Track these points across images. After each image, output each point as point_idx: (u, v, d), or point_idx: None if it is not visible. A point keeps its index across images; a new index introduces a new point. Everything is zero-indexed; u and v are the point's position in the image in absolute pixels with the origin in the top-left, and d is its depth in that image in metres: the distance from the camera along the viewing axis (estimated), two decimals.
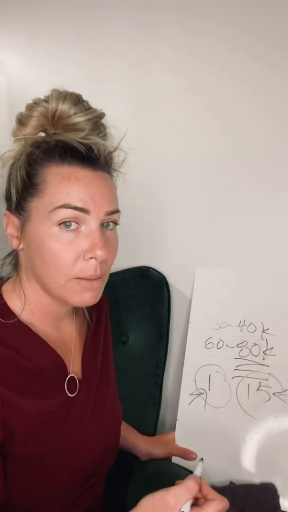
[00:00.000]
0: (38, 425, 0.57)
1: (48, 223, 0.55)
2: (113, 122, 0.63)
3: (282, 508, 0.81)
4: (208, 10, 0.91)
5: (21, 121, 0.59)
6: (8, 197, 0.60)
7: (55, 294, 0.58)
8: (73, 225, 0.55)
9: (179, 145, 0.99)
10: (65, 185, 0.54)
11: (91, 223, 0.55)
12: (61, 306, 0.63)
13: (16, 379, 0.57)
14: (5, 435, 0.55)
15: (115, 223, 0.60)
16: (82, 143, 0.55)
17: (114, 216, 0.58)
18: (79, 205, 0.54)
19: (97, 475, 0.69)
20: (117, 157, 0.63)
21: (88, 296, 0.58)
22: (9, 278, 0.66)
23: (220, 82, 0.93)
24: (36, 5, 1.02)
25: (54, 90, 0.57)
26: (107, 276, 0.61)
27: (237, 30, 0.89)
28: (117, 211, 0.59)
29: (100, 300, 0.76)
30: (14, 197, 0.58)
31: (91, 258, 0.55)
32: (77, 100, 0.57)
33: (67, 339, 0.68)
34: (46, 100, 0.57)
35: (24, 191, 0.57)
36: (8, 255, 0.64)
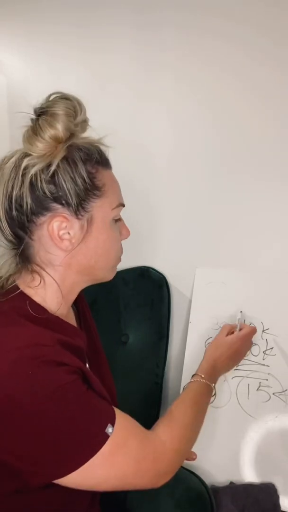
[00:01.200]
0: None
1: (108, 219, 0.64)
2: (113, 121, 0.63)
3: (282, 508, 0.81)
4: (208, 9, 0.91)
5: (51, 113, 0.57)
6: (67, 202, 0.59)
7: (101, 276, 0.68)
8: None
9: (179, 145, 0.99)
10: (116, 186, 0.65)
11: (120, 215, 0.67)
12: (75, 294, 0.69)
13: (77, 354, 0.60)
14: None
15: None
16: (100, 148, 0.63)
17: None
18: (123, 202, 0.67)
19: None
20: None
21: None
22: (11, 275, 0.65)
23: (220, 81, 0.93)
24: (36, 5, 1.02)
25: (74, 99, 0.59)
26: None
27: (237, 29, 0.90)
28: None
29: None
30: (74, 200, 0.59)
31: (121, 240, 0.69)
32: (84, 109, 0.62)
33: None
34: (73, 109, 0.58)
35: (86, 193, 0.60)
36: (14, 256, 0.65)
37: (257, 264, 0.96)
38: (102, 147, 0.63)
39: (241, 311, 0.91)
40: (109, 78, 1.00)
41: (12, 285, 0.64)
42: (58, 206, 0.59)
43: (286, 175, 0.91)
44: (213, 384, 0.77)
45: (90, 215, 0.61)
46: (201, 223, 1.00)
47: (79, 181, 0.59)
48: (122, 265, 1.07)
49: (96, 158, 0.61)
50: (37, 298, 0.63)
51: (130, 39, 0.98)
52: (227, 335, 0.85)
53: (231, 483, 0.84)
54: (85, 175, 0.59)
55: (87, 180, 0.59)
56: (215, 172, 0.97)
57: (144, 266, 1.05)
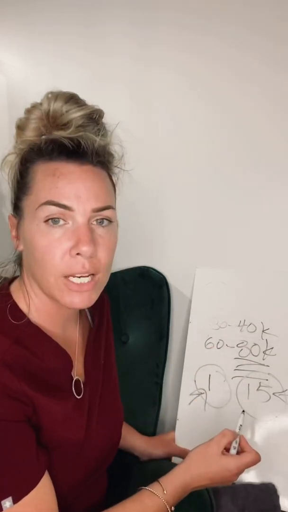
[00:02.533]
0: (57, 424, 0.58)
1: (35, 220, 0.55)
2: (114, 121, 0.62)
3: (282, 508, 0.81)
4: (208, 8, 0.91)
5: (20, 126, 0.59)
6: (11, 200, 0.61)
7: (47, 293, 0.58)
8: (60, 222, 0.54)
9: (180, 145, 0.98)
10: (49, 181, 0.54)
11: (77, 219, 0.54)
12: (61, 308, 0.62)
13: (34, 378, 0.56)
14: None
15: (109, 220, 0.58)
16: (70, 139, 0.55)
17: (106, 213, 0.56)
18: (62, 201, 0.53)
19: (98, 471, 0.69)
20: (115, 152, 0.62)
21: (79, 300, 0.56)
22: (16, 277, 0.66)
23: (221, 80, 0.93)
24: (36, 5, 1.02)
25: (47, 93, 0.57)
26: (103, 277, 0.59)
27: (237, 27, 0.89)
28: (107, 208, 0.56)
29: (101, 301, 0.76)
30: (12, 199, 0.60)
31: (77, 254, 0.54)
32: (68, 98, 0.56)
33: (71, 342, 0.67)
34: (41, 103, 0.57)
35: (18, 190, 0.58)
36: (17, 255, 0.65)
37: (257, 264, 0.96)
38: (78, 137, 0.55)
39: (243, 411, 0.75)
40: (109, 77, 1.00)
41: (12, 283, 0.65)
42: (11, 206, 0.61)
43: (287, 175, 0.92)
44: (172, 508, 0.62)
45: (22, 214, 0.58)
46: (201, 223, 1.00)
47: (14, 179, 0.58)
48: (122, 265, 1.07)
49: (36, 152, 0.56)
50: (21, 303, 0.61)
51: (130, 38, 0.97)
52: (224, 448, 0.67)
53: (231, 483, 0.84)
54: (17, 171, 0.58)
55: (18, 177, 0.58)
56: (216, 172, 0.97)
57: (144, 266, 1.05)
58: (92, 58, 1.01)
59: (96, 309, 0.75)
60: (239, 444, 0.69)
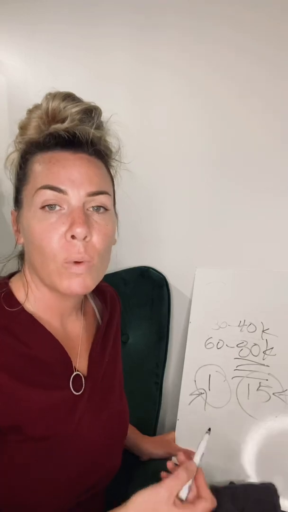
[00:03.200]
0: (39, 416, 0.57)
1: (32, 207, 0.56)
2: (113, 121, 0.64)
3: (282, 508, 0.81)
4: (209, 12, 0.91)
5: (22, 126, 0.62)
6: (13, 195, 0.63)
7: (46, 281, 0.58)
8: (56, 207, 0.55)
9: (179, 146, 0.99)
10: (45, 168, 0.56)
11: (71, 203, 0.55)
12: (62, 301, 0.63)
13: (17, 366, 0.57)
14: (3, 421, 0.55)
15: (105, 207, 0.58)
16: (66, 130, 0.57)
17: (101, 199, 0.57)
18: (56, 184, 0.55)
19: (96, 487, 0.68)
20: (112, 146, 0.64)
21: (77, 284, 0.56)
22: (18, 271, 0.67)
23: (221, 84, 0.93)
24: (36, 5, 1.02)
25: (46, 93, 0.60)
26: (98, 264, 0.58)
27: (238, 31, 0.90)
28: (102, 193, 0.57)
29: (113, 300, 0.78)
30: (14, 193, 0.62)
31: (72, 237, 0.54)
32: (65, 96, 0.59)
33: (73, 336, 0.67)
34: (41, 103, 0.61)
35: (18, 183, 0.61)
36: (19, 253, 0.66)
37: (257, 264, 0.96)
38: (74, 129, 0.58)
39: (209, 430, 0.65)
40: (109, 78, 1.00)
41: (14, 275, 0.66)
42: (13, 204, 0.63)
43: (287, 175, 0.92)
44: None
45: (21, 205, 0.60)
46: (201, 223, 1.00)
47: (14, 172, 0.62)
48: (122, 265, 1.07)
49: (34, 145, 0.59)
50: (18, 293, 0.62)
51: (130, 39, 0.98)
52: (176, 495, 0.55)
53: (231, 483, 0.84)
54: (18, 165, 0.61)
55: (17, 170, 0.61)
56: (216, 172, 0.97)
57: (144, 266, 1.05)
58: (92, 58, 1.01)
59: (106, 307, 0.75)
60: (195, 485, 0.57)
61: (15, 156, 0.62)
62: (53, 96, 0.59)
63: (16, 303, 0.61)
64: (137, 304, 1.05)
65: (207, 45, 0.92)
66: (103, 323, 0.73)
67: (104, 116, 0.63)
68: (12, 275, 0.67)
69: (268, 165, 0.93)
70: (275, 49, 0.88)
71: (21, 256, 0.66)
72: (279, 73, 0.89)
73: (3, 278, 0.66)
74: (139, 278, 1.05)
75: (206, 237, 1.00)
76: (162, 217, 1.03)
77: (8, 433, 0.56)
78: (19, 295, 0.62)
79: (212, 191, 0.98)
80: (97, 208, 0.58)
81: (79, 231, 0.54)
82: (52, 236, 0.55)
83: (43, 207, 0.55)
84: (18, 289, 0.63)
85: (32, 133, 0.60)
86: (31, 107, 0.62)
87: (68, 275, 0.56)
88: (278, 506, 0.80)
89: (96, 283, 0.60)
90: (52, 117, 0.59)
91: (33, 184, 0.57)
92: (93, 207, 0.57)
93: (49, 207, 0.55)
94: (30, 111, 0.61)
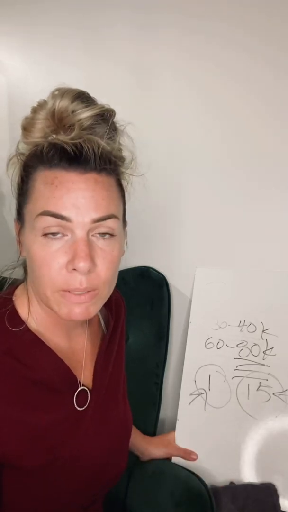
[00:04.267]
0: (38, 438, 0.56)
1: (34, 230, 0.52)
2: (126, 127, 0.60)
3: (282, 508, 0.81)
4: (210, 12, 0.91)
5: (26, 127, 0.55)
6: (16, 205, 0.59)
7: (46, 304, 0.56)
8: (59, 234, 0.51)
9: (179, 147, 0.98)
10: (48, 191, 0.51)
11: (75, 232, 0.51)
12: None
13: (14, 390, 0.55)
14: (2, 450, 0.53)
15: (112, 234, 0.54)
16: (73, 143, 0.51)
17: (108, 223, 0.52)
18: (59, 212, 0.50)
19: (100, 493, 0.68)
20: (124, 157, 0.58)
21: (78, 311, 0.53)
22: (23, 281, 0.64)
23: (222, 84, 0.93)
24: (36, 5, 1.02)
25: (54, 89, 0.53)
26: (104, 291, 0.55)
27: (238, 31, 0.90)
28: (110, 217, 0.52)
29: (118, 307, 0.75)
30: (16, 205, 0.58)
31: (73, 269, 0.51)
32: (76, 97, 0.52)
33: (78, 349, 0.65)
34: (47, 100, 0.54)
35: (19, 197, 0.56)
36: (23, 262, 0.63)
37: (257, 264, 0.96)
38: (81, 141, 0.51)
39: None
40: (110, 79, 1.00)
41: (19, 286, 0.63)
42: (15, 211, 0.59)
43: (287, 175, 0.92)
44: None
45: (23, 222, 0.55)
46: (201, 223, 1.00)
47: (16, 184, 0.56)
48: (122, 265, 1.07)
49: (37, 158, 0.53)
50: (22, 310, 0.59)
51: (130, 40, 0.97)
52: None
53: (231, 483, 0.85)
54: (19, 177, 0.55)
55: (19, 182, 0.55)
56: (216, 172, 0.97)
57: (144, 266, 1.05)
58: (92, 60, 1.01)
59: (112, 315, 0.72)
60: None
61: (17, 166, 0.56)
62: (61, 94, 0.52)
63: (20, 321, 0.58)
64: (137, 304, 1.05)
65: (207, 45, 0.92)
66: (108, 332, 0.70)
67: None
68: (16, 287, 0.63)
69: (268, 165, 0.93)
70: (276, 48, 0.88)
71: (25, 265, 0.63)
72: (280, 73, 0.88)
73: (7, 291, 0.62)
74: (139, 278, 1.05)
75: (206, 237, 1.00)
76: (162, 217, 1.03)
77: (6, 467, 0.55)
78: (23, 311, 0.59)
79: (213, 191, 0.98)
80: (103, 234, 0.53)
81: (81, 265, 0.50)
82: (53, 265, 0.51)
83: (44, 234, 0.51)
84: (21, 305, 0.60)
85: (37, 136, 0.53)
86: (35, 105, 0.55)
87: (68, 304, 0.53)
88: (278, 506, 0.80)
89: (100, 308, 0.57)
90: (59, 120, 0.52)
91: (35, 205, 0.52)
92: (99, 233, 0.53)
93: (51, 234, 0.51)
94: (34, 110, 0.54)
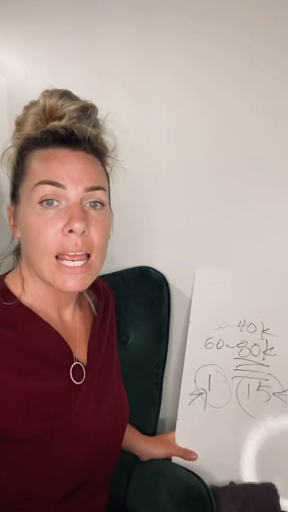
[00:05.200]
0: (34, 407, 0.58)
1: (31, 202, 0.57)
2: (113, 121, 0.64)
3: (282, 508, 0.81)
4: (209, 12, 0.91)
5: (19, 122, 0.63)
6: (10, 192, 0.64)
7: (41, 276, 0.59)
8: (54, 203, 0.56)
9: (179, 146, 0.98)
10: (44, 164, 0.57)
11: (70, 198, 0.57)
12: (58, 293, 0.64)
13: (12, 358, 0.57)
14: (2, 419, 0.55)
15: (102, 203, 0.60)
16: (64, 128, 0.58)
17: (98, 194, 0.59)
18: (55, 180, 0.56)
19: (98, 477, 0.68)
20: (107, 143, 0.65)
21: (72, 283, 0.57)
22: (13, 269, 0.68)
23: (221, 83, 0.93)
24: (36, 4, 1.02)
25: (43, 91, 0.62)
26: (97, 260, 0.60)
27: (238, 31, 0.90)
28: (99, 188, 0.59)
29: (106, 294, 0.79)
30: (11, 188, 0.63)
31: (70, 231, 0.55)
32: (63, 94, 0.60)
33: (71, 327, 0.68)
34: (38, 100, 0.62)
35: (16, 178, 0.62)
36: (15, 250, 0.67)
37: (257, 264, 0.96)
38: (72, 126, 0.59)
39: None
40: (109, 78, 1.00)
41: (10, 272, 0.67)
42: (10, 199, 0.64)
43: (287, 175, 0.92)
44: None
45: (19, 200, 0.61)
46: (201, 223, 1.00)
47: (12, 167, 0.62)
48: (122, 265, 1.07)
49: (32, 142, 0.60)
50: (15, 288, 0.63)
51: (130, 38, 0.97)
52: None
53: (231, 483, 0.84)
54: (15, 161, 0.61)
55: (15, 165, 0.62)
56: (216, 171, 0.97)
57: (144, 266, 1.05)
58: (92, 59, 1.01)
59: (101, 299, 0.77)
60: None
61: (12, 152, 0.63)
62: (50, 93, 0.60)
63: (13, 297, 0.61)
64: (137, 304, 1.05)
65: (207, 45, 0.92)
66: (98, 315, 0.74)
67: (101, 114, 0.64)
68: (7, 273, 0.68)
69: (268, 165, 0.93)
70: (275, 48, 0.88)
71: (17, 251, 0.67)
72: (280, 73, 0.88)
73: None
74: (139, 278, 1.05)
75: (206, 237, 1.00)
76: (162, 217, 1.03)
77: (3, 437, 0.55)
78: (16, 290, 0.63)
79: (212, 191, 0.98)
80: (94, 204, 0.59)
81: (77, 226, 0.55)
82: (49, 230, 0.56)
83: (41, 202, 0.56)
84: (14, 284, 0.64)
85: (29, 129, 0.61)
86: (27, 103, 0.63)
87: (61, 273, 0.57)
88: (278, 506, 0.80)
89: (93, 280, 0.61)
90: (49, 114, 0.60)
91: (31, 179, 0.58)
92: (90, 203, 0.59)
93: (47, 202, 0.56)
94: (27, 108, 0.63)
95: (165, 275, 1.04)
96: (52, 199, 0.56)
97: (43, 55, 1.05)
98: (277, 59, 0.88)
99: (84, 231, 0.56)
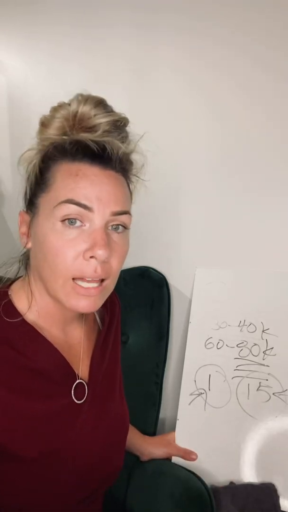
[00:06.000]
0: (35, 427, 0.57)
1: (52, 218, 0.54)
2: (137, 134, 0.62)
3: (282, 508, 0.81)
4: (209, 12, 0.91)
5: (44, 123, 0.59)
6: (24, 196, 0.60)
7: (53, 295, 0.57)
8: (77, 223, 0.54)
9: (179, 146, 0.98)
10: (72, 181, 0.54)
11: (95, 222, 0.54)
12: (64, 310, 0.61)
13: (13, 378, 0.56)
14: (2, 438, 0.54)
15: (125, 226, 0.58)
16: (95, 142, 0.55)
17: (122, 218, 0.56)
18: (83, 201, 0.53)
19: (96, 492, 0.68)
20: (136, 161, 0.62)
21: (85, 303, 0.55)
22: (20, 277, 0.65)
23: (222, 84, 0.93)
24: (36, 5, 1.02)
25: (77, 94, 0.57)
26: (111, 283, 0.59)
27: (237, 31, 0.90)
28: (125, 213, 0.57)
29: (113, 304, 0.77)
30: (27, 195, 0.59)
31: (91, 257, 0.53)
32: (98, 103, 0.57)
33: (75, 344, 0.66)
34: (69, 103, 0.57)
35: (36, 187, 0.58)
36: (23, 254, 0.64)
37: (257, 264, 0.96)
38: (104, 142, 0.56)
39: None
40: (109, 78, 1.00)
41: (15, 282, 0.64)
42: (23, 202, 0.61)
43: (287, 176, 0.92)
44: None
45: (37, 211, 0.57)
46: (201, 223, 1.00)
47: (33, 174, 0.58)
48: (122, 265, 1.07)
49: (60, 151, 0.56)
50: (19, 303, 0.60)
51: (130, 39, 0.97)
52: None
53: (231, 483, 0.84)
54: (37, 167, 0.57)
55: (37, 173, 0.57)
56: (215, 172, 0.97)
57: (144, 266, 1.05)
58: (92, 59, 1.01)
59: (107, 312, 0.74)
60: None
61: (36, 157, 0.58)
62: (85, 99, 0.56)
63: (17, 313, 0.59)
64: (137, 304, 1.05)
65: (207, 46, 0.92)
66: (103, 328, 0.72)
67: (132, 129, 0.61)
68: (12, 282, 0.65)
69: (268, 165, 0.93)
70: (274, 48, 0.88)
71: (25, 260, 0.64)
72: (279, 73, 0.88)
73: (3, 286, 0.64)
74: (139, 278, 1.05)
75: (206, 237, 1.00)
76: (162, 217, 1.03)
77: (3, 457, 0.55)
78: (20, 305, 0.60)
79: (212, 190, 0.98)
80: (117, 227, 0.57)
81: (101, 253, 0.53)
82: (69, 253, 0.53)
83: (63, 221, 0.53)
84: (19, 299, 0.61)
85: (54, 132, 0.57)
86: (56, 104, 0.58)
87: (76, 296, 0.55)
88: (278, 506, 0.80)
89: (104, 301, 0.59)
90: (80, 121, 0.56)
91: (56, 194, 0.54)
92: (113, 225, 0.56)
93: (69, 221, 0.53)
94: (54, 109, 0.58)
95: (165, 275, 1.04)
96: (75, 219, 0.53)
97: (43, 56, 1.05)
98: (278, 60, 0.88)
99: (107, 257, 0.54)
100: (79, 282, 0.55)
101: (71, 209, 0.53)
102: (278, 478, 0.83)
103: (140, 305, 1.05)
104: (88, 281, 0.55)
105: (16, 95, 1.06)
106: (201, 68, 0.94)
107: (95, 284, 0.55)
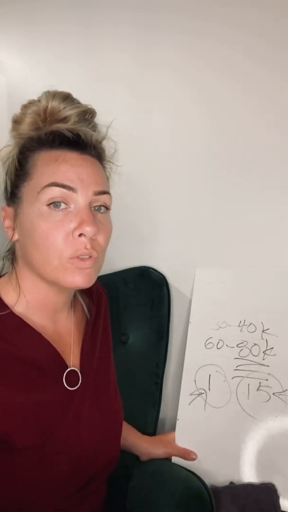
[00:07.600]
0: (29, 417, 0.57)
1: (37, 203, 0.56)
2: (113, 121, 0.64)
3: (282, 508, 0.81)
4: (209, 11, 0.91)
5: (17, 120, 0.63)
6: (4, 191, 0.62)
7: (47, 277, 0.59)
8: (62, 205, 0.56)
9: (179, 146, 0.99)
10: (53, 166, 0.57)
11: (79, 202, 0.57)
12: (57, 296, 0.63)
13: (7, 370, 0.57)
14: None
15: (107, 207, 0.61)
16: (69, 130, 0.58)
17: (103, 198, 0.60)
18: (66, 183, 0.56)
19: (96, 480, 0.68)
20: (108, 148, 0.65)
21: (81, 278, 0.58)
22: (6, 273, 0.67)
23: (222, 83, 0.93)
24: (36, 4, 1.02)
25: (45, 92, 0.62)
26: (101, 260, 0.61)
27: (239, 31, 0.90)
28: (106, 192, 0.60)
29: (99, 295, 0.79)
30: (8, 188, 0.61)
31: (80, 235, 0.56)
32: (65, 97, 0.61)
33: (64, 333, 0.68)
34: (39, 100, 0.62)
35: (16, 178, 0.60)
36: (8, 251, 0.66)
37: (257, 264, 0.96)
38: (78, 130, 0.59)
39: None
40: (109, 78, 1.00)
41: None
42: (4, 197, 0.63)
43: (287, 175, 0.92)
44: None
45: (20, 201, 0.59)
46: (201, 223, 1.00)
47: (12, 167, 0.60)
48: (122, 265, 1.07)
49: (37, 142, 0.59)
50: (7, 297, 0.62)
51: (130, 39, 0.97)
52: None
53: (231, 483, 0.84)
54: (16, 160, 0.60)
55: (16, 165, 0.60)
56: (216, 171, 0.97)
57: (144, 266, 1.05)
58: (92, 59, 1.01)
59: (93, 302, 0.76)
60: None
61: (12, 152, 0.61)
62: (53, 95, 0.60)
63: (4, 306, 0.61)
64: (137, 304, 1.05)
65: (208, 45, 0.92)
66: (91, 318, 0.74)
67: (101, 119, 0.64)
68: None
69: (268, 165, 0.93)
70: (275, 48, 0.88)
71: (10, 256, 0.66)
72: (279, 72, 0.88)
73: None
74: (139, 278, 1.05)
75: (206, 237, 1.00)
76: (162, 217, 1.03)
77: None
78: (7, 299, 0.62)
79: (213, 190, 0.98)
80: (99, 208, 0.60)
81: (89, 229, 0.55)
82: (58, 234, 0.55)
83: (49, 204, 0.56)
84: (6, 293, 0.63)
85: (27, 128, 0.61)
86: (25, 102, 0.63)
87: (73, 270, 0.57)
88: (278, 506, 0.80)
89: (96, 278, 0.61)
90: (51, 115, 0.60)
91: (39, 180, 0.57)
92: (95, 206, 0.59)
93: (54, 205, 0.56)
94: (25, 107, 0.63)
95: (165, 275, 1.04)
96: (60, 202, 0.56)
97: (43, 55, 1.05)
98: (278, 59, 0.88)
99: (95, 234, 0.56)
100: (74, 260, 0.57)
101: (56, 192, 0.56)
102: (278, 478, 0.83)
103: (140, 305, 1.05)
104: (81, 259, 0.57)
105: (16, 95, 1.06)
106: (201, 68, 0.94)
107: (87, 257, 0.58)
